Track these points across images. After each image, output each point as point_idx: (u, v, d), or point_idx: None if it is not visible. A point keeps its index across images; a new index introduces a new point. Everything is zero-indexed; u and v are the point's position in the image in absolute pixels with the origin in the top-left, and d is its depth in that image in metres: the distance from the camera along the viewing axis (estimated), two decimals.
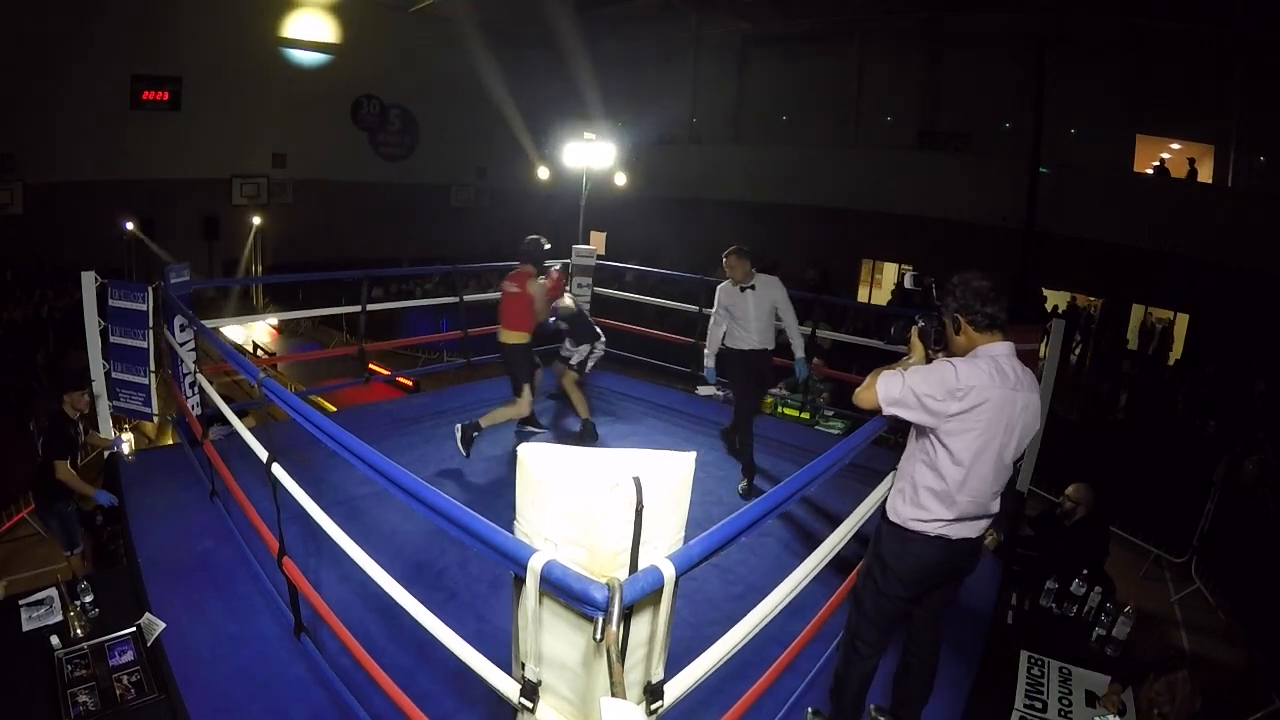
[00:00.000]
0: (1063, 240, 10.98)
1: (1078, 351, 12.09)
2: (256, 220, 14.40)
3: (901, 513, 2.11)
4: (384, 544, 3.37)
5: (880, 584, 2.16)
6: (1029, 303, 11.03)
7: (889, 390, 2.03)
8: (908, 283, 2.50)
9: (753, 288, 4.25)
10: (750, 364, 4.35)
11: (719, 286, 4.38)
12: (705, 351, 4.49)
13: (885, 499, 2.24)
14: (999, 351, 2.02)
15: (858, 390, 2.14)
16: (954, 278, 2.10)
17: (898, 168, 12.82)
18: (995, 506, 2.11)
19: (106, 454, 4.06)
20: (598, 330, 5.15)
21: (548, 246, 4.47)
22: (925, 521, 2.07)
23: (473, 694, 2.43)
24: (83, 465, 4.00)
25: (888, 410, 2.04)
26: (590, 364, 5.12)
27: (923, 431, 2.05)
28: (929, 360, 2.16)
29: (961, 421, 1.96)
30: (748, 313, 4.25)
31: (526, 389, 4.47)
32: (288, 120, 14.23)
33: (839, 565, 2.59)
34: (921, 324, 2.23)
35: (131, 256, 12.38)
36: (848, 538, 2.35)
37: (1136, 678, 2.68)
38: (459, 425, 4.27)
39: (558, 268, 4.61)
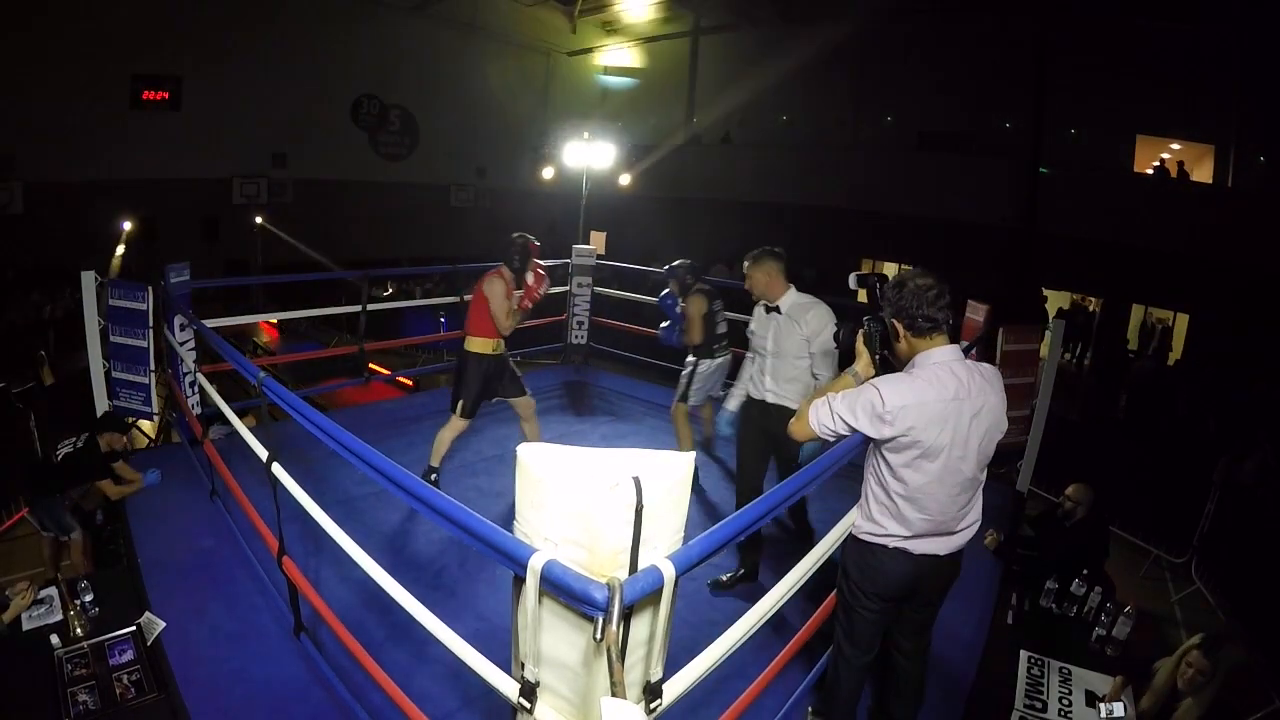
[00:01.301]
0: (1063, 240, 10.97)
1: (1077, 353, 12.09)
2: (259, 220, 14.40)
3: (860, 526, 2.08)
4: (384, 543, 3.38)
5: (848, 596, 2.14)
6: (1029, 303, 11.02)
7: (819, 420, 1.97)
8: (851, 282, 2.31)
9: (778, 310, 3.08)
10: (752, 421, 3.19)
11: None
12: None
13: None
14: (940, 358, 1.90)
15: (791, 423, 2.07)
16: (891, 278, 2.00)
17: (898, 168, 12.82)
18: (964, 523, 2.03)
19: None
20: (715, 343, 4.28)
21: (535, 244, 3.92)
22: (880, 536, 2.02)
23: (472, 693, 2.44)
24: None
25: (828, 439, 1.99)
26: (695, 387, 4.30)
27: (870, 444, 1.99)
28: (876, 363, 2.06)
29: (896, 443, 1.88)
30: (764, 346, 3.13)
31: (459, 406, 3.90)
32: (288, 120, 14.20)
33: (837, 565, 2.59)
34: (866, 327, 2.07)
35: (131, 256, 12.38)
36: (845, 537, 2.35)
37: (1140, 675, 2.67)
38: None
39: (539, 267, 3.98)
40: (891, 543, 2.01)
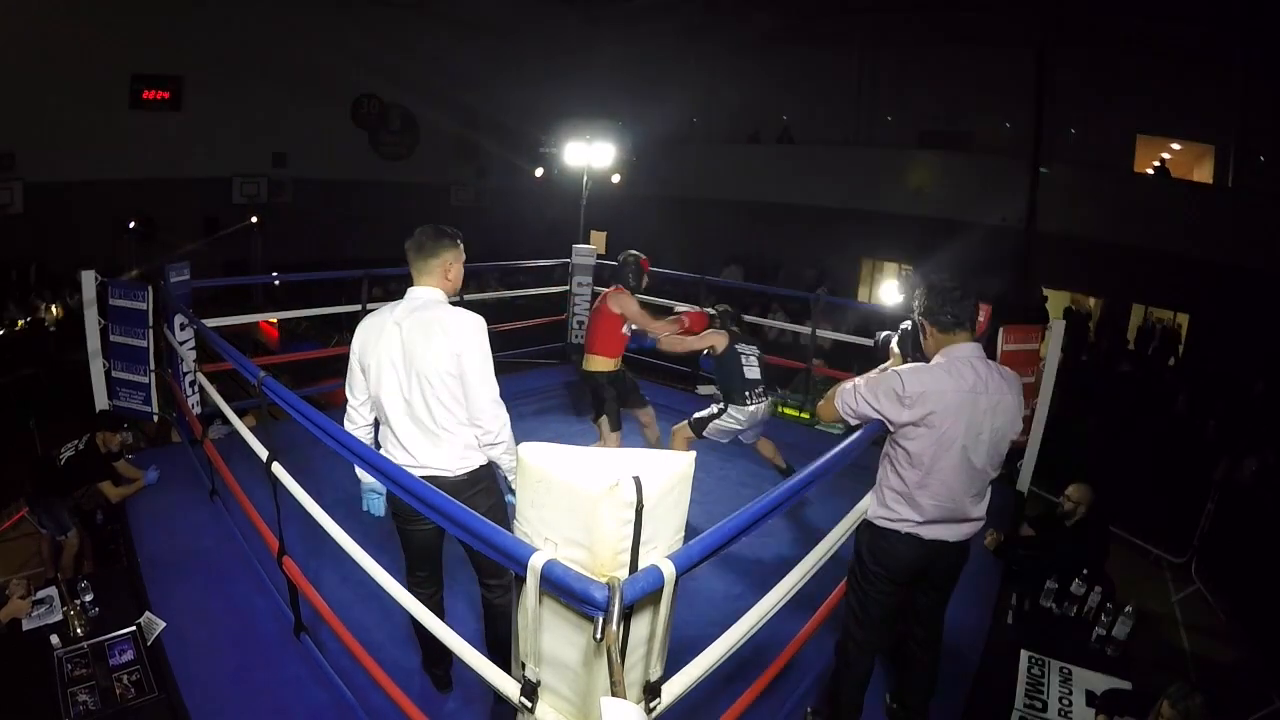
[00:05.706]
0: (1063, 240, 10.97)
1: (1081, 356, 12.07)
2: (255, 219, 14.38)
3: (874, 512, 2.17)
4: (384, 543, 3.37)
5: (860, 580, 2.21)
6: (1029, 303, 11.02)
7: (844, 402, 2.09)
8: (894, 288, 2.62)
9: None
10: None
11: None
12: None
13: None
14: (961, 354, 2.02)
15: (819, 405, 2.21)
16: (921, 282, 2.13)
17: (898, 168, 12.81)
18: (975, 511, 2.10)
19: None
20: (746, 393, 3.86)
21: (645, 259, 4.02)
22: (893, 521, 2.10)
23: (473, 693, 2.43)
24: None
25: (850, 421, 2.11)
26: (712, 427, 3.96)
27: (888, 435, 2.10)
28: (907, 363, 2.20)
29: (914, 427, 1.98)
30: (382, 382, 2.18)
31: (605, 423, 3.99)
32: (288, 120, 14.19)
33: (838, 565, 2.59)
34: (901, 331, 2.28)
35: (131, 256, 12.38)
36: (846, 537, 2.35)
37: (1133, 710, 2.62)
38: None
39: (684, 312, 4.17)
40: (904, 528, 2.09)
